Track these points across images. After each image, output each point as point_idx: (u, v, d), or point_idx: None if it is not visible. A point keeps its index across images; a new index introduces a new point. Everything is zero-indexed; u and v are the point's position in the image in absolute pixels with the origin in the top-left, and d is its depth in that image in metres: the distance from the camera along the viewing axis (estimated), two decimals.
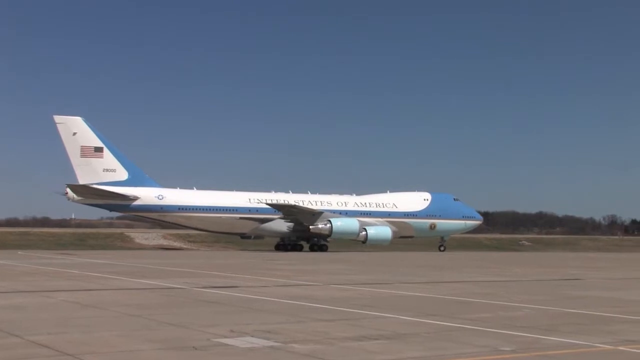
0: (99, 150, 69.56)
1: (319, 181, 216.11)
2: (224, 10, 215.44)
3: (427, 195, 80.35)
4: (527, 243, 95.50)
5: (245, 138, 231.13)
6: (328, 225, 71.52)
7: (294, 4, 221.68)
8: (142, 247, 78.73)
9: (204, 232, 78.89)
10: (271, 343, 13.91)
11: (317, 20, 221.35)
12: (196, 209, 71.83)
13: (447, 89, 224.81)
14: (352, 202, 78.11)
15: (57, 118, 69.70)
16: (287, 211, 72.04)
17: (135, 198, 70.10)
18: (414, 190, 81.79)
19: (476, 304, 22.23)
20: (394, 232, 76.43)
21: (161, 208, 71.00)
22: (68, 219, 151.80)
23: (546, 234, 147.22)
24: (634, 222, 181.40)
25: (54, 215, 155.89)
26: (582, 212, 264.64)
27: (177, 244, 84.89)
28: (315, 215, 72.50)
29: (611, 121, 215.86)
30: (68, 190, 68.86)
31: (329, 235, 72.57)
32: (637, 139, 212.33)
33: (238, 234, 76.69)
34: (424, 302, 22.64)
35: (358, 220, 73.91)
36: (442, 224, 79.52)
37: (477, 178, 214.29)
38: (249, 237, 77.33)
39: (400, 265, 46.30)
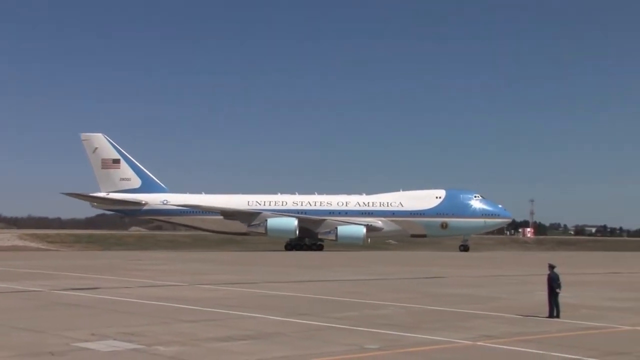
0: (116, 162, 78.93)
1: (335, 182, 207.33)
2: (228, 18, 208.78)
3: (441, 193, 77.65)
4: (394, 242, 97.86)
5: (261, 142, 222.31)
6: (263, 225, 72.40)
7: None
8: None
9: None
10: (134, 346, 13.50)
11: (321, 13, 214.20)
12: (198, 212, 75.86)
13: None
14: (353, 201, 77.43)
15: (83, 135, 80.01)
16: (224, 212, 73.98)
17: (145, 203, 77.37)
18: (430, 188, 79.85)
19: (343, 303, 22.51)
20: (396, 231, 77.42)
21: (166, 212, 77.42)
22: None
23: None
24: None
25: None
26: None
27: (34, 245, 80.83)
28: (253, 215, 73.55)
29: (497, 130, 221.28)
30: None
31: (264, 234, 73.37)
32: (520, 144, 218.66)
33: (238, 234, 79.55)
34: (292, 302, 22.67)
35: (312, 218, 73.56)
36: (456, 222, 76.19)
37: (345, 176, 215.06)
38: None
39: (272, 265, 46.26)
